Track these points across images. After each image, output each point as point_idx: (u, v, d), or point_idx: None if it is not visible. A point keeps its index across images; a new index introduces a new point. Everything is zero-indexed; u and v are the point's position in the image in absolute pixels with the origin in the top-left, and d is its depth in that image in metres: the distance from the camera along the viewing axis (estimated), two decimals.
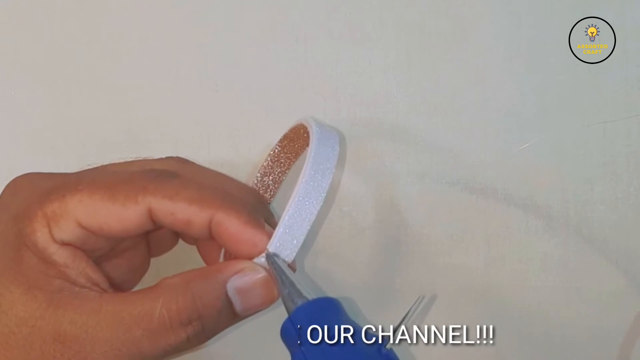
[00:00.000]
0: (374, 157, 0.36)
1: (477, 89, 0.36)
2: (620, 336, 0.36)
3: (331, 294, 0.37)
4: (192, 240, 0.34)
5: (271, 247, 0.28)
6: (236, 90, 0.37)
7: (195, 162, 0.33)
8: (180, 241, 0.35)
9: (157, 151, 0.35)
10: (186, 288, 0.28)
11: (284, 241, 0.29)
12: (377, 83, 0.37)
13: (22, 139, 0.37)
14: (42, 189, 0.29)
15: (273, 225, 0.30)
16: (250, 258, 0.29)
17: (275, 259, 0.28)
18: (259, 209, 0.31)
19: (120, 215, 0.28)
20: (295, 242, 0.29)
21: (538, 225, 0.36)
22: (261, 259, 0.29)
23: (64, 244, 0.28)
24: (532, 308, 0.36)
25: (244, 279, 0.29)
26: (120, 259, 0.32)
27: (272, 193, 0.36)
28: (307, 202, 0.29)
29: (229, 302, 0.28)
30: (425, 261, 0.37)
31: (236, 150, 0.37)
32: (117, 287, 0.32)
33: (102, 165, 0.32)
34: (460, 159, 0.36)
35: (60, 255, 0.28)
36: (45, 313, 0.27)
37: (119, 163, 0.32)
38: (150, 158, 0.32)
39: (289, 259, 0.29)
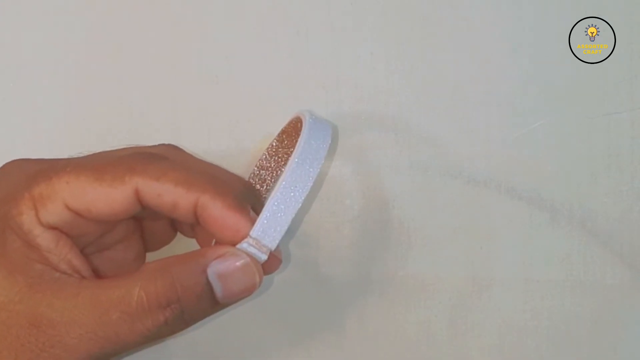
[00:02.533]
0: (375, 150, 0.36)
1: (480, 81, 0.36)
2: (625, 330, 0.36)
3: (331, 288, 0.37)
4: (189, 230, 0.34)
5: (254, 233, 0.28)
6: (237, 82, 0.37)
7: (194, 153, 0.33)
8: (181, 237, 0.35)
9: (157, 142, 0.35)
10: (166, 272, 0.28)
11: (267, 228, 0.28)
12: (379, 75, 0.36)
13: (20, 129, 0.37)
14: (29, 173, 0.29)
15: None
16: (234, 244, 0.29)
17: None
18: (246, 196, 0.31)
19: (107, 196, 0.28)
20: (279, 229, 0.28)
21: (542, 218, 0.36)
22: (244, 245, 0.28)
23: (50, 227, 0.28)
24: (536, 302, 0.36)
25: (225, 263, 0.28)
26: (112, 252, 0.32)
27: (267, 187, 0.36)
28: (293, 191, 0.29)
29: (209, 288, 0.28)
30: (427, 254, 0.37)
31: (236, 141, 0.37)
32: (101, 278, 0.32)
33: (94, 153, 0.32)
34: (463, 152, 0.36)
35: (44, 238, 0.28)
36: (23, 297, 0.27)
37: (109, 150, 0.32)
38: (141, 145, 0.32)
39: (272, 246, 0.29)
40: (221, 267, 0.28)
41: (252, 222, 0.29)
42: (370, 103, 0.37)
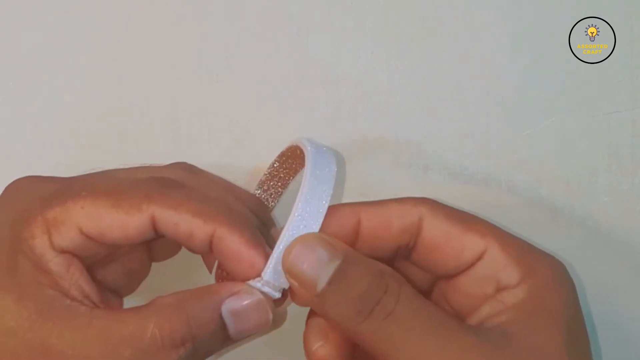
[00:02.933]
0: (376, 149, 0.37)
1: (480, 81, 0.36)
2: (626, 330, 0.36)
3: None
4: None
5: (265, 276, 0.28)
6: (237, 81, 0.37)
7: (202, 169, 0.34)
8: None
9: (157, 142, 0.35)
10: (180, 308, 0.28)
11: (278, 269, 0.28)
12: (380, 74, 0.37)
13: (20, 129, 0.37)
14: (43, 194, 0.29)
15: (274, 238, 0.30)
16: (247, 279, 0.29)
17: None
18: (261, 225, 0.31)
19: (122, 223, 0.28)
20: None
21: (542, 217, 0.36)
22: (257, 284, 0.28)
23: (63, 251, 0.28)
24: None
25: (240, 301, 0.28)
26: (117, 264, 0.32)
27: (270, 207, 0.36)
28: (302, 230, 0.29)
29: (222, 325, 0.28)
30: None
31: (236, 141, 0.37)
32: (114, 292, 0.32)
33: (105, 170, 0.32)
34: (463, 150, 0.36)
35: (56, 263, 0.28)
36: (34, 325, 0.27)
37: (124, 169, 0.32)
38: (156, 164, 0.32)
39: (285, 285, 0.29)
40: (235, 305, 0.28)
41: (267, 257, 0.29)
42: (370, 102, 0.37)
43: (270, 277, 0.28)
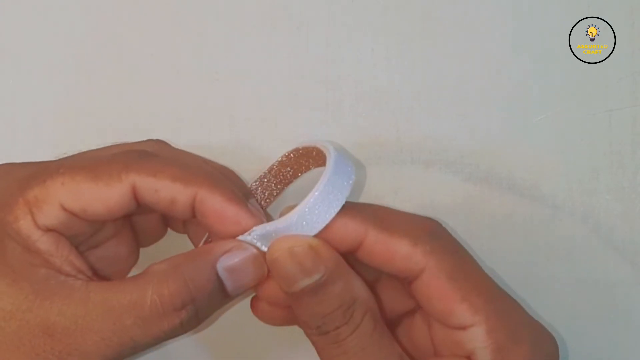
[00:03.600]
0: (376, 147, 0.36)
1: (480, 80, 0.36)
2: (627, 327, 0.36)
3: None
4: (180, 226, 0.34)
5: (257, 230, 0.29)
6: (237, 78, 0.37)
7: (193, 148, 0.34)
8: (172, 234, 0.35)
9: (158, 138, 0.35)
10: (176, 272, 0.28)
11: (270, 234, 0.29)
12: (380, 71, 0.37)
13: (19, 126, 0.37)
14: (20, 176, 0.29)
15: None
16: (234, 236, 0.29)
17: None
18: (240, 189, 0.31)
19: (104, 195, 0.28)
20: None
21: (543, 214, 0.36)
22: (246, 237, 0.29)
23: (48, 229, 0.28)
24: (537, 299, 0.36)
25: (234, 258, 0.29)
26: (104, 249, 0.32)
27: (269, 197, 0.36)
28: (304, 225, 0.29)
29: (220, 283, 0.28)
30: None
31: (236, 137, 0.37)
32: (104, 279, 0.32)
33: (81, 152, 0.32)
34: (464, 148, 0.36)
35: (44, 242, 0.28)
36: (32, 305, 0.27)
37: (99, 148, 0.32)
38: (129, 142, 0.33)
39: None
40: (230, 262, 0.28)
41: (251, 213, 0.29)
42: (370, 100, 0.37)
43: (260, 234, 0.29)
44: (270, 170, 0.35)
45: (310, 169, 0.35)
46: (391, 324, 0.31)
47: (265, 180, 0.35)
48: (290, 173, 0.35)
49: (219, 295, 0.29)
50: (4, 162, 0.32)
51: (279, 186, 0.35)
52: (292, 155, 0.35)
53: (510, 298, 0.30)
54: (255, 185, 0.34)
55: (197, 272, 0.28)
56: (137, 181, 0.28)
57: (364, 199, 0.36)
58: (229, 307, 0.37)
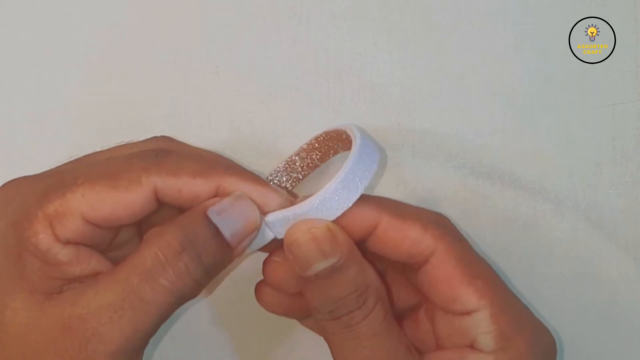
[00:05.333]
0: (378, 140, 0.36)
1: (482, 76, 0.36)
2: (629, 323, 0.36)
3: None
4: None
5: (272, 216, 0.30)
6: (237, 72, 0.37)
7: (194, 143, 0.34)
8: None
9: (159, 133, 0.35)
10: (171, 224, 0.28)
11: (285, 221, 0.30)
12: (382, 65, 0.37)
13: (19, 123, 0.37)
14: (37, 191, 0.29)
15: None
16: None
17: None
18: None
19: (125, 201, 0.28)
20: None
21: (546, 209, 0.36)
22: (276, 216, 0.29)
23: (68, 242, 0.28)
24: (540, 294, 0.36)
25: (222, 202, 0.29)
26: (119, 252, 0.32)
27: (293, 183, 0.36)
28: (324, 210, 0.29)
29: (215, 227, 0.29)
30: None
31: (237, 132, 0.37)
32: None
33: (87, 155, 0.32)
34: (466, 142, 0.36)
35: (64, 254, 0.28)
36: (48, 310, 0.28)
37: (107, 149, 0.32)
38: (136, 141, 0.32)
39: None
40: (219, 206, 0.29)
41: (276, 192, 0.30)
42: (372, 93, 0.37)
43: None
44: (298, 153, 0.35)
45: (339, 152, 0.35)
46: (396, 318, 0.32)
47: (292, 163, 0.35)
48: (319, 157, 0.35)
49: (219, 242, 0.29)
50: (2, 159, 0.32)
51: (305, 170, 0.35)
52: (321, 138, 0.35)
53: (510, 290, 0.31)
54: (282, 167, 0.35)
55: (190, 219, 0.29)
56: (158, 183, 0.28)
57: (364, 191, 0.36)
58: (229, 309, 0.37)
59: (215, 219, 0.28)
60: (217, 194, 0.29)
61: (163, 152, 0.30)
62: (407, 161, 0.37)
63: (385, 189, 0.37)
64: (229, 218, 0.29)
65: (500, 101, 0.36)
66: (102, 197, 0.28)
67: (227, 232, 0.29)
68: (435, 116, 0.37)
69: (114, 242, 0.31)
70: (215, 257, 0.29)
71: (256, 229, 0.30)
